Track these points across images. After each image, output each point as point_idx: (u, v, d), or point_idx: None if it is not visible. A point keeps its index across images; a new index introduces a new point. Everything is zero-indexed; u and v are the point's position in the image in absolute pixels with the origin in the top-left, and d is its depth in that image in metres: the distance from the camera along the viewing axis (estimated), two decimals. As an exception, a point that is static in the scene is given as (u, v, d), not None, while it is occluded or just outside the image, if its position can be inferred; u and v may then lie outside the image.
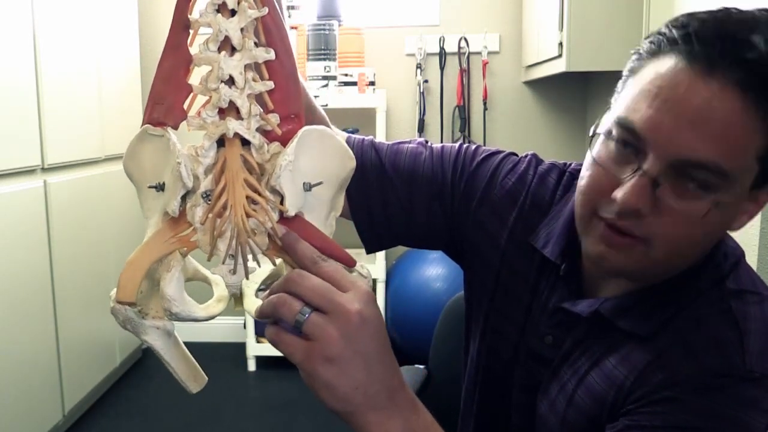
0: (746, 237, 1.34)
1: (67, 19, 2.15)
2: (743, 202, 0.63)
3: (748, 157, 0.59)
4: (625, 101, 0.63)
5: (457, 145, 0.87)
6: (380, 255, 2.69)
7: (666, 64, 0.60)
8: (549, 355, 0.75)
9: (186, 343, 0.61)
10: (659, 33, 0.62)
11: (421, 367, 1.20)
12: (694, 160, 0.58)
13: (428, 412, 0.58)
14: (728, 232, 0.74)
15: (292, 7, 2.76)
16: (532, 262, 0.79)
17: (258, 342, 2.75)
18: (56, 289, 2.09)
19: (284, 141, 0.55)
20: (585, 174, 0.67)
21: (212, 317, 0.57)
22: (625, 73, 0.66)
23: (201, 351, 1.98)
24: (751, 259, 1.31)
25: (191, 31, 0.55)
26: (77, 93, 2.23)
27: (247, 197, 0.53)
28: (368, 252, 0.89)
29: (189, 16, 0.55)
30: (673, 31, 0.61)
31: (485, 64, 2.90)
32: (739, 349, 0.63)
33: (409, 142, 0.87)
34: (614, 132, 0.63)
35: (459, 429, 0.92)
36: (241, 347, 2.85)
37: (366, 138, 0.88)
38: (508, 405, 0.80)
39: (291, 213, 0.54)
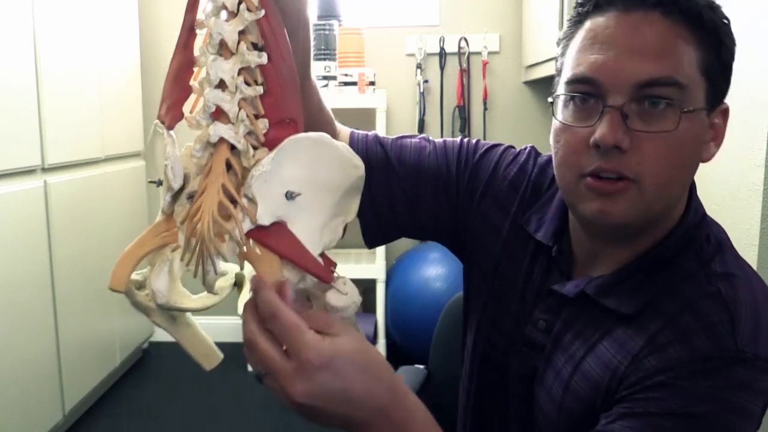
0: (746, 237, 1.34)
1: (67, 19, 2.15)
2: (706, 128, 0.67)
3: (692, 69, 0.65)
4: (569, 64, 0.69)
5: (458, 139, 0.89)
6: (380, 255, 2.69)
7: (595, 21, 0.67)
8: (543, 340, 0.76)
9: (185, 343, 0.61)
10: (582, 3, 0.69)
11: (421, 367, 1.20)
12: (647, 80, 0.63)
13: (426, 412, 0.58)
14: (719, 223, 0.75)
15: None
16: (526, 248, 0.81)
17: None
18: (56, 289, 2.09)
19: (272, 146, 0.55)
20: (558, 146, 0.70)
21: (205, 308, 0.59)
22: (560, 47, 0.72)
23: (201, 351, 1.98)
24: (752, 259, 1.31)
25: (198, 32, 0.56)
26: (77, 93, 2.23)
27: (222, 203, 0.53)
28: (370, 247, 0.91)
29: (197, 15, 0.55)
30: None
31: (485, 64, 2.90)
32: (730, 332, 0.63)
33: (412, 137, 0.89)
34: (570, 92, 0.68)
35: (458, 422, 0.93)
36: (241, 347, 2.85)
37: (370, 133, 0.90)
38: (505, 395, 0.81)
39: (264, 222, 0.53)
